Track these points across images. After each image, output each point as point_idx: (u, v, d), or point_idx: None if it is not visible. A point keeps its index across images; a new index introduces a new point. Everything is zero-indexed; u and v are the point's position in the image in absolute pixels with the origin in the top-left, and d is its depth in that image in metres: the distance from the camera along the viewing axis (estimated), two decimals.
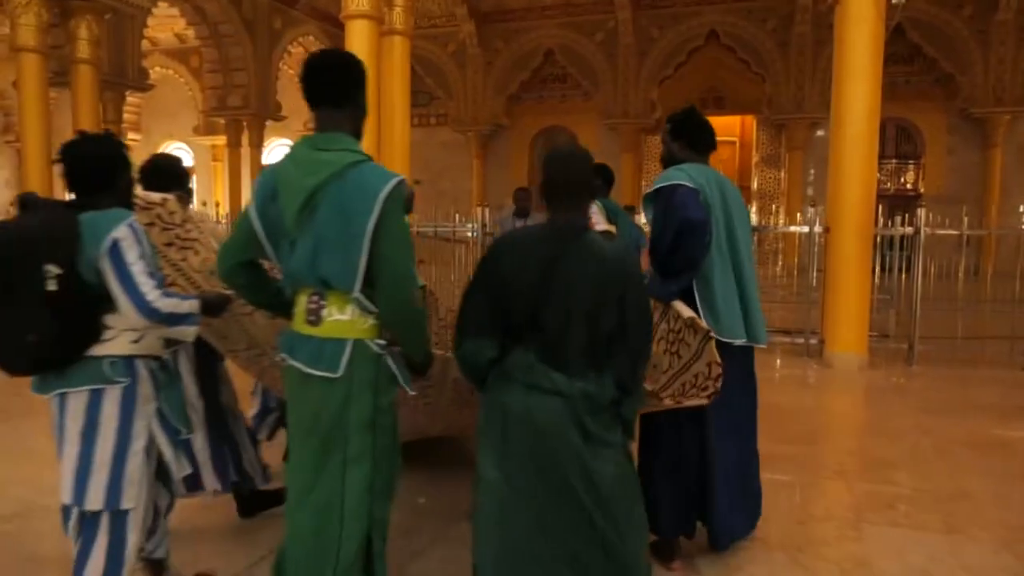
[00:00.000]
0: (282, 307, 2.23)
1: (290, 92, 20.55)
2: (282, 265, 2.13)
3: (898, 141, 18.39)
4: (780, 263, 16.26)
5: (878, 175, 18.18)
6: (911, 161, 18.30)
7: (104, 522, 2.28)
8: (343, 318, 2.05)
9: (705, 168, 3.01)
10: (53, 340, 2.16)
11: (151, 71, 18.80)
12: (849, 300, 7.07)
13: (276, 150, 23.96)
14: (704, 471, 2.95)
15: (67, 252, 2.13)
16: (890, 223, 7.83)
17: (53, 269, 2.10)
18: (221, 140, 20.69)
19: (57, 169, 2.30)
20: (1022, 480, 4.27)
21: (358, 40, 9.08)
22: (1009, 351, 7.39)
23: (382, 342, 2.10)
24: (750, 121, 19.71)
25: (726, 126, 20.89)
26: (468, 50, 20.02)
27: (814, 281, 7.92)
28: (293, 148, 2.12)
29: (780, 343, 8.17)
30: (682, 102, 18.02)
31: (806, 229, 7.86)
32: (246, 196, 16.05)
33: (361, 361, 2.05)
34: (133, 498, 2.29)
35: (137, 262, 2.18)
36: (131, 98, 20.87)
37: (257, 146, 17.97)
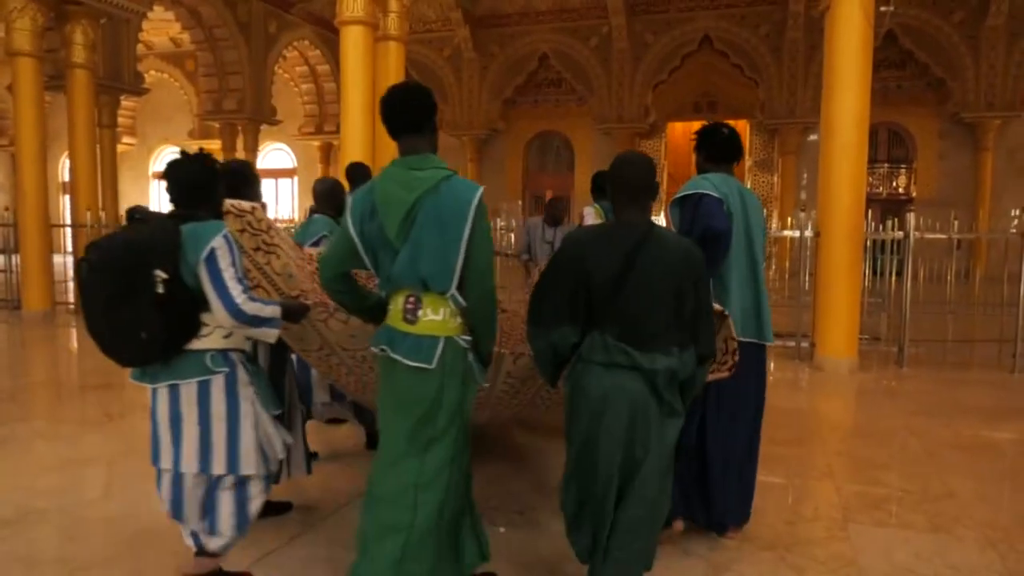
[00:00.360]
0: (368, 311, 2.62)
1: (285, 96, 20.60)
2: (380, 272, 2.44)
3: (890, 145, 18.50)
4: (774, 267, 16.39)
5: (870, 179, 18.33)
6: (903, 165, 18.41)
7: (228, 483, 2.66)
8: (436, 318, 2.36)
9: (728, 178, 3.22)
10: (161, 337, 2.47)
11: (146, 75, 18.81)
12: (840, 305, 7.12)
13: (272, 155, 24.01)
14: (703, 457, 3.21)
15: (172, 259, 2.45)
16: (880, 227, 7.91)
17: (161, 274, 2.42)
18: (216, 144, 20.70)
19: (160, 184, 2.63)
20: (1009, 480, 4.33)
21: (352, 46, 9.13)
22: (998, 354, 7.47)
23: (468, 338, 2.42)
24: (743, 126, 19.80)
25: None
26: (464, 55, 20.09)
27: (806, 285, 8.00)
28: (387, 170, 2.41)
29: (772, 346, 8.23)
30: (676, 107, 18.15)
31: (798, 233, 7.92)
32: None
33: (452, 355, 2.37)
34: (252, 465, 2.65)
35: (228, 268, 2.50)
36: (126, 102, 20.93)
37: (252, 150, 17.97)
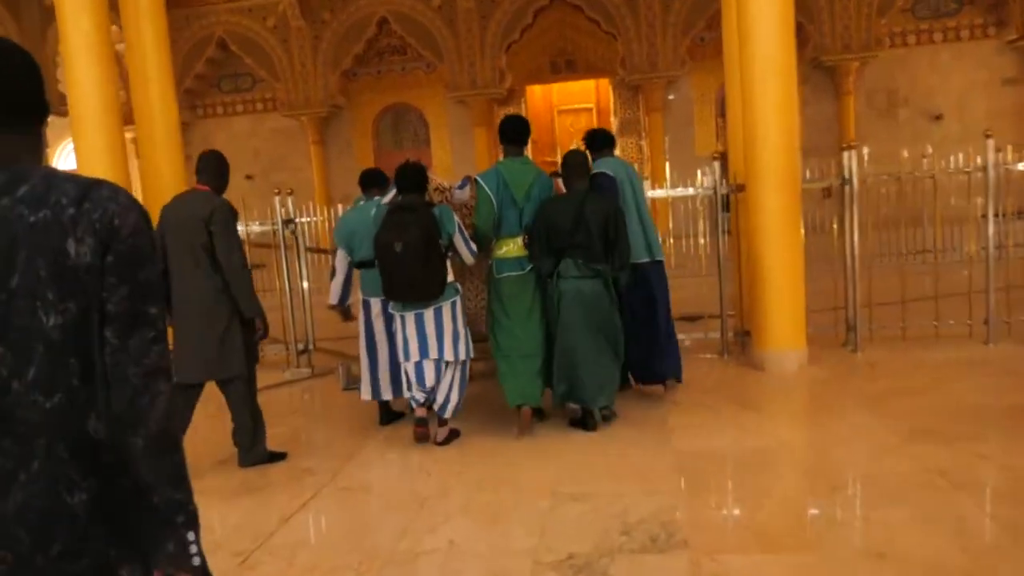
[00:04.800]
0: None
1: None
2: (506, 218, 4.16)
3: None
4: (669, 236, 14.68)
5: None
6: None
7: (457, 366, 4.12)
8: None
9: (612, 159, 4.74)
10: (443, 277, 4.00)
11: None
12: (779, 279, 5.09)
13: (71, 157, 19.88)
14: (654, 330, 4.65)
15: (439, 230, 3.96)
16: (806, 174, 5.93)
17: (443, 241, 3.97)
18: None
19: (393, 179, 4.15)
20: None
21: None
22: (957, 315, 5.69)
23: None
24: (604, 85, 17.90)
25: (581, 92, 19.01)
26: (290, 23, 16.94)
27: (723, 249, 5.89)
28: (508, 163, 4.26)
29: (689, 339, 6.15)
30: (534, 68, 15.51)
31: (710, 191, 5.82)
32: None
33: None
34: (471, 351, 4.22)
35: (464, 232, 4.12)
36: None
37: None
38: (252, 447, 3.99)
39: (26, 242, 1.05)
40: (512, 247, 4.17)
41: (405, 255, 3.76)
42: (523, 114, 18.36)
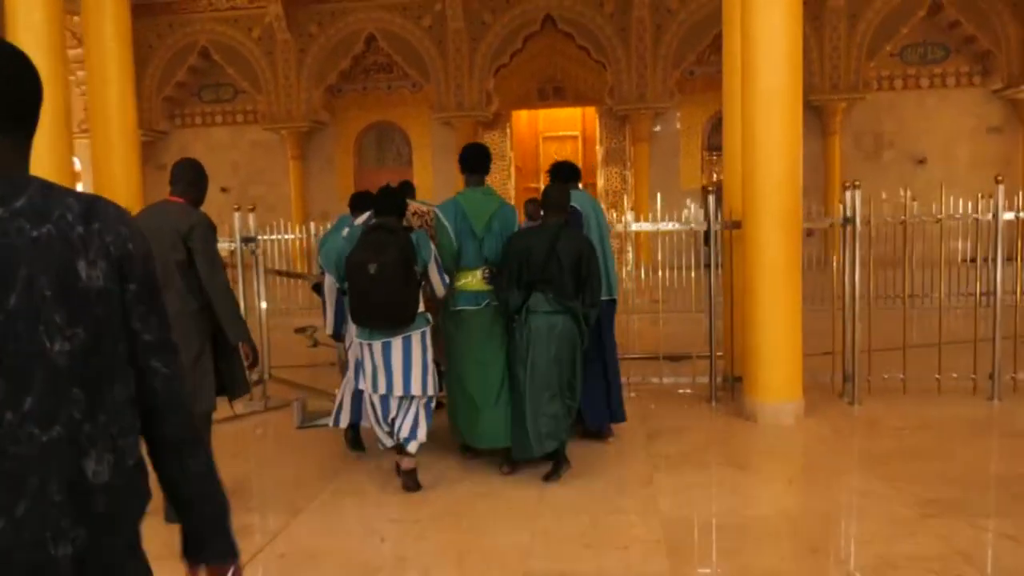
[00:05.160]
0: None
1: None
2: (465, 249, 3.95)
3: None
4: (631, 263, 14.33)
5: (715, 168, 16.58)
6: None
7: (423, 400, 3.78)
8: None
9: (579, 192, 4.57)
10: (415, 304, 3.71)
11: None
12: (778, 326, 4.68)
13: None
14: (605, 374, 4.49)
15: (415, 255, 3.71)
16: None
17: (418, 268, 3.71)
18: None
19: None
20: None
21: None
22: (960, 367, 5.31)
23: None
24: (591, 113, 17.66)
25: (567, 119, 18.76)
26: (276, 36, 16.54)
27: (712, 285, 5.46)
28: (467, 193, 4.05)
29: (675, 382, 5.74)
30: (521, 94, 15.19)
31: (704, 226, 5.44)
32: None
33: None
34: (438, 386, 3.92)
35: (437, 260, 3.90)
36: None
37: None
38: None
39: (27, 258, 0.97)
40: (471, 279, 3.95)
41: (380, 277, 3.52)
42: (508, 139, 18.07)
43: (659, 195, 6.18)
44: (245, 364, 3.55)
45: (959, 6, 14.97)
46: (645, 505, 3.54)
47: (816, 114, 15.98)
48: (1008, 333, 5.17)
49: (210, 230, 3.46)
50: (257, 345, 3.72)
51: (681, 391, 5.62)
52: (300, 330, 6.11)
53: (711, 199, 5.26)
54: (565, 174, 4.49)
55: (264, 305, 6.20)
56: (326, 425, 5.12)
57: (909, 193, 5.43)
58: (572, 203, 4.16)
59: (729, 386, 5.35)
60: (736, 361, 5.33)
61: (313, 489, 3.89)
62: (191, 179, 3.55)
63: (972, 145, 15.89)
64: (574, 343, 3.79)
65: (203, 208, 3.59)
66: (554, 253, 3.71)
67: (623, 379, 5.84)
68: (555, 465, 3.86)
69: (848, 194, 5.18)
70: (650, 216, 6.20)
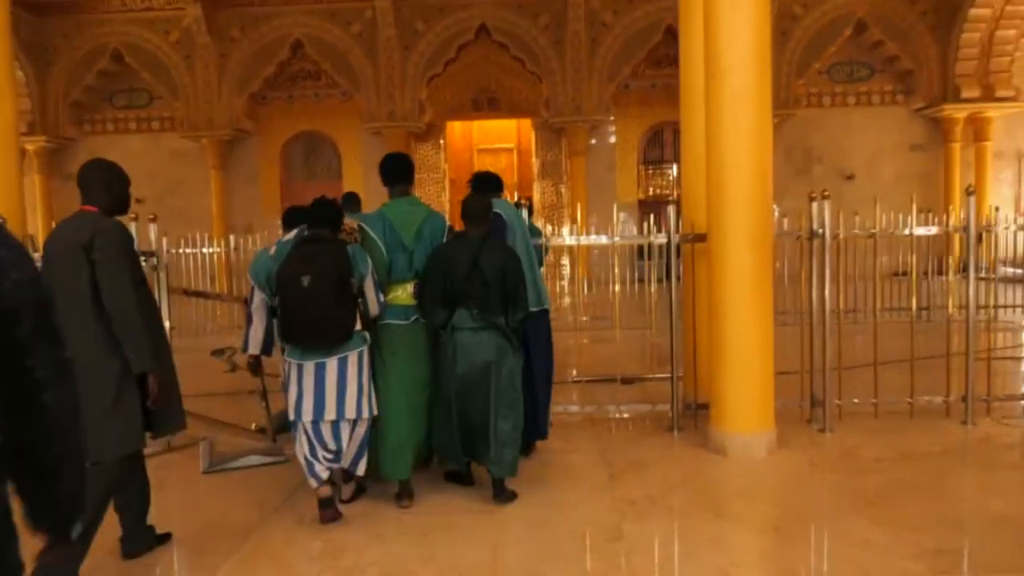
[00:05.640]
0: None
1: None
2: (395, 262, 3.68)
3: (676, 146, 16.80)
4: (565, 276, 13.89)
5: (659, 181, 16.38)
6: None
7: (364, 421, 3.52)
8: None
9: (502, 201, 4.35)
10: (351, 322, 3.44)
11: None
12: (748, 350, 4.20)
13: None
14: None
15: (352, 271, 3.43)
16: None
17: (355, 282, 3.42)
18: None
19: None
20: None
21: None
22: (931, 387, 4.96)
23: None
24: (527, 125, 17.23)
25: (502, 131, 18.29)
26: (196, 39, 15.49)
27: (673, 301, 4.96)
28: (392, 205, 3.79)
29: (630, 410, 5.22)
30: (455, 104, 14.50)
31: (662, 239, 4.94)
32: None
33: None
34: (375, 408, 3.56)
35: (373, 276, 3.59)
36: None
37: None
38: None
39: None
40: (400, 293, 3.70)
41: (314, 289, 3.26)
42: (442, 151, 17.41)
43: (615, 207, 5.68)
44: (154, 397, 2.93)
45: (883, 27, 15.24)
46: (616, 567, 2.97)
47: None
48: (977, 351, 4.86)
49: (116, 238, 2.89)
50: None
51: (639, 422, 5.09)
52: (217, 352, 5.32)
53: (671, 210, 4.77)
54: (490, 185, 4.37)
55: (168, 325, 5.36)
56: (240, 468, 4.40)
57: (846, 208, 5.11)
58: (497, 210, 4.05)
59: (692, 413, 4.86)
60: (699, 386, 4.84)
61: (213, 558, 3.15)
62: (102, 183, 3.01)
63: (896, 161, 16.18)
64: (507, 360, 3.60)
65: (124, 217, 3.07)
66: (477, 267, 3.53)
67: (577, 405, 5.34)
68: (497, 486, 3.65)
69: (815, 206, 4.79)
70: (589, 230, 5.71)
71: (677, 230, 4.79)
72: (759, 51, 4.18)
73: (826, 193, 4.76)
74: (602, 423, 5.09)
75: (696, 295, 4.83)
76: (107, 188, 2.99)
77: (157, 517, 3.32)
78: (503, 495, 3.61)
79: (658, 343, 6.91)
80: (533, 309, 3.98)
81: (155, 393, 2.90)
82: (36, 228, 14.19)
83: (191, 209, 16.21)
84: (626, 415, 5.20)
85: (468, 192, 4.11)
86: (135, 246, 3.34)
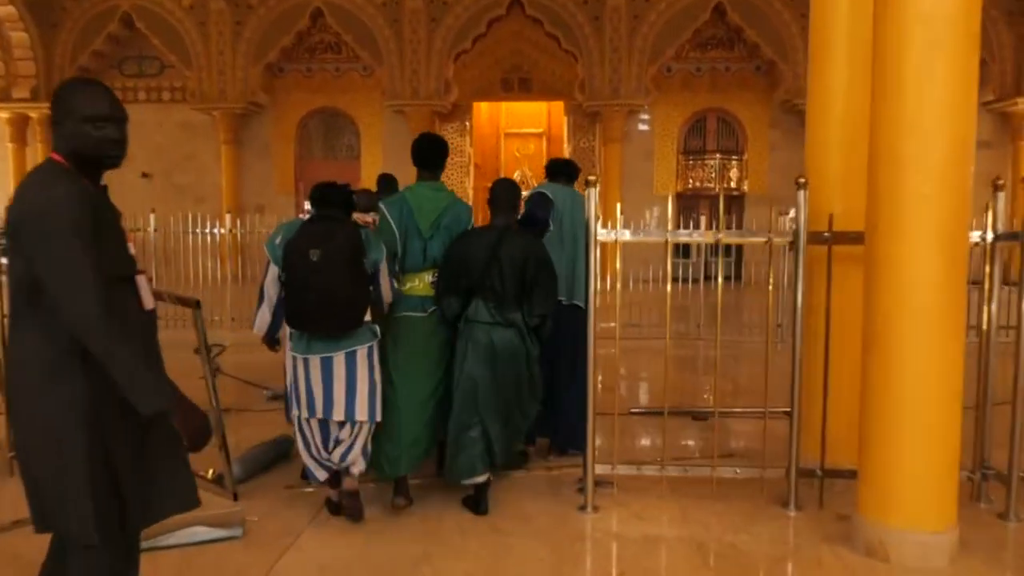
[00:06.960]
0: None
1: None
2: (410, 249, 3.37)
3: (719, 135, 15.22)
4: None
5: (702, 173, 14.81)
6: (734, 157, 15.16)
7: (368, 424, 3.18)
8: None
9: (563, 187, 4.13)
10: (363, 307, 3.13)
11: None
12: (929, 403, 2.72)
13: None
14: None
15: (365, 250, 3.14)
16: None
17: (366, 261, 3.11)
18: None
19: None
20: None
21: None
22: None
23: None
24: (558, 109, 15.69)
25: (532, 115, 16.71)
26: (210, 5, 14.12)
27: (783, 338, 3.52)
28: (415, 188, 3.44)
29: (721, 473, 3.74)
30: (484, 84, 11.86)
31: (785, 238, 3.46)
32: None
33: None
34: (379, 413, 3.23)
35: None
36: None
37: None
38: None
39: None
40: (417, 283, 3.42)
41: (323, 265, 2.94)
42: (468, 134, 15.89)
43: (666, 200, 4.20)
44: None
45: None
46: None
47: (800, 119, 14.36)
48: None
49: (58, 222, 1.70)
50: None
51: (735, 489, 3.60)
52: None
53: (800, 196, 3.27)
54: (559, 168, 4.22)
55: None
56: (176, 547, 3.05)
57: None
58: (551, 194, 3.98)
59: (814, 481, 3.39)
60: (828, 442, 3.37)
61: None
62: (70, 113, 1.82)
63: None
64: (519, 362, 3.32)
65: (120, 197, 2.06)
66: (496, 258, 3.25)
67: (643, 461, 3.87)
68: (477, 494, 3.35)
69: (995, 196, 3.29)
70: (623, 223, 4.27)
71: (804, 224, 3.29)
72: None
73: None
74: (683, 484, 3.61)
75: (831, 314, 3.34)
76: (75, 121, 1.81)
77: None
78: (480, 506, 3.34)
79: (710, 356, 5.36)
80: (562, 299, 3.77)
81: (188, 435, 1.85)
82: None
83: (200, 186, 14.90)
84: (706, 470, 3.71)
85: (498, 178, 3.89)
86: (120, 220, 1.94)
